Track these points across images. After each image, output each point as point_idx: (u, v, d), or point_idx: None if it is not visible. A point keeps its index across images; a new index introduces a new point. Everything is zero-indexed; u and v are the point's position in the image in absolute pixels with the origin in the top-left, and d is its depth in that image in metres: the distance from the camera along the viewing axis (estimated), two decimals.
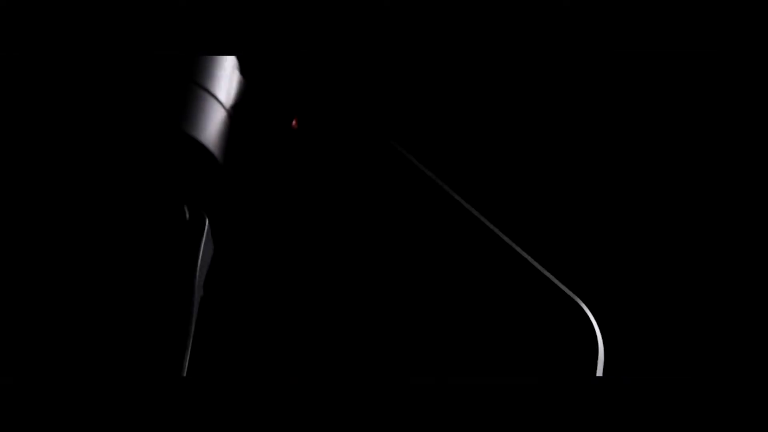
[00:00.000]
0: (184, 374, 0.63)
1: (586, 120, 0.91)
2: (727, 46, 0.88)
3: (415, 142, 0.78)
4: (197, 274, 0.65)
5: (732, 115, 0.91)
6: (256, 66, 0.74)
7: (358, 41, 0.84)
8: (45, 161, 0.65)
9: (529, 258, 0.72)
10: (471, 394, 0.68)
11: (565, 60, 0.91)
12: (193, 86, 0.67)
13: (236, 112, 0.70)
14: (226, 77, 0.70)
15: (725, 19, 0.88)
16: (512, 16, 0.87)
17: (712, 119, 0.91)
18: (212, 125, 0.67)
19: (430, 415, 0.68)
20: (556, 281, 0.71)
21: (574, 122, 0.91)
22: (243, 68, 0.72)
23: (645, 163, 0.90)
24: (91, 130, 0.65)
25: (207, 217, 0.67)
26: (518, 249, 0.72)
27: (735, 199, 0.89)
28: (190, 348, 0.64)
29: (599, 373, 0.69)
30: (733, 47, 0.88)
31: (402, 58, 0.90)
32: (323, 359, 0.75)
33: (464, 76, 0.91)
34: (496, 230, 0.73)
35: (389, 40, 0.86)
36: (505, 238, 0.72)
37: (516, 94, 0.91)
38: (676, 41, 0.88)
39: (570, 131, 0.91)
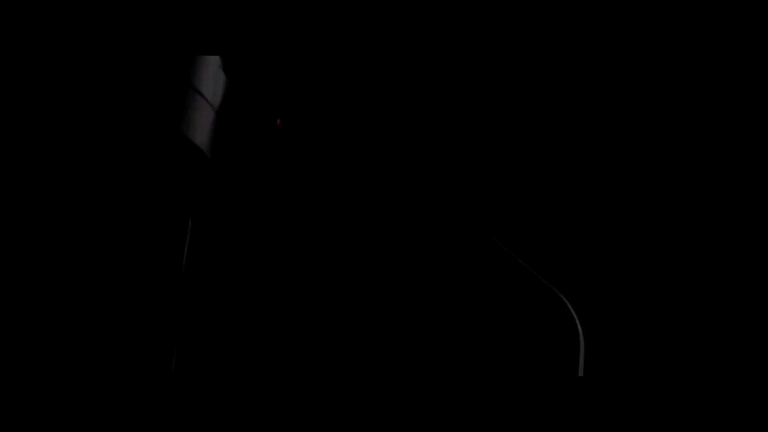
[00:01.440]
0: (172, 373, 0.64)
1: (569, 117, 0.91)
2: (727, 46, 0.88)
3: (406, 143, 0.79)
4: (183, 274, 0.65)
5: (707, 115, 0.91)
6: (240, 66, 0.74)
7: (348, 42, 0.85)
8: (35, 158, 0.65)
9: (514, 255, 0.72)
10: (457, 391, 0.68)
11: (551, 61, 0.91)
12: (184, 86, 0.67)
13: (222, 112, 0.70)
14: (212, 76, 0.70)
15: (725, 19, 0.88)
16: (508, 16, 0.87)
17: (689, 118, 0.91)
18: (202, 124, 0.67)
19: (419, 413, 0.68)
20: (540, 276, 0.72)
21: (557, 121, 0.91)
22: (227, 68, 0.72)
23: (630, 161, 0.91)
24: (83, 128, 0.65)
25: (190, 218, 0.67)
26: (503, 246, 0.73)
27: (715, 195, 0.90)
28: (177, 347, 0.64)
29: (580, 367, 0.70)
30: (733, 47, 0.89)
31: (393, 60, 0.90)
32: (311, 360, 0.76)
33: (454, 77, 0.91)
34: (483, 228, 0.73)
35: (380, 40, 0.86)
36: (492, 236, 0.73)
37: (502, 96, 0.91)
38: (674, 41, 0.88)
39: (556, 130, 0.91)
